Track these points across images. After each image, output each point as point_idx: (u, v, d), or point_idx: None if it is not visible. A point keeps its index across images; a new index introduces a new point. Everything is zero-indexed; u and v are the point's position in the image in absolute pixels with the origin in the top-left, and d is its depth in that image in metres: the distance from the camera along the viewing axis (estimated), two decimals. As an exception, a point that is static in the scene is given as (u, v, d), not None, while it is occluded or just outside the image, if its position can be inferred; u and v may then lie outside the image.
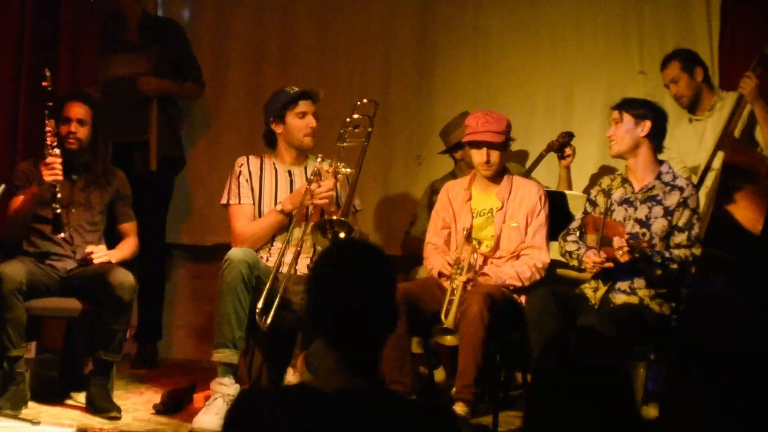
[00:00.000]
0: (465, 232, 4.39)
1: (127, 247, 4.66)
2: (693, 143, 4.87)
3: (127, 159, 5.20)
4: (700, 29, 5.15)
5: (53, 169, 4.33)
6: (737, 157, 4.63)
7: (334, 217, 4.18)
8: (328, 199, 4.36)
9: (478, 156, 4.42)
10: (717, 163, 4.68)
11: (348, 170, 4.42)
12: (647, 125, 4.16)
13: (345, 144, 4.44)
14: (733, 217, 4.49)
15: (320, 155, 4.44)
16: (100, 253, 4.48)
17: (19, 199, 4.51)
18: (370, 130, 4.45)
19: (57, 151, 4.36)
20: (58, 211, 4.35)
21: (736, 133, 4.75)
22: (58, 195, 4.35)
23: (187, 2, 5.89)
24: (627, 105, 4.22)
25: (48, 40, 5.67)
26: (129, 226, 4.72)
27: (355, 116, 4.48)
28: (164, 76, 5.31)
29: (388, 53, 5.68)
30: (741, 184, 4.58)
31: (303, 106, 4.53)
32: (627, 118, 4.19)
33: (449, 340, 4.14)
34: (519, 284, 4.32)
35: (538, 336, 3.96)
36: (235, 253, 4.26)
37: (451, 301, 4.14)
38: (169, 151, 5.38)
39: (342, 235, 4.08)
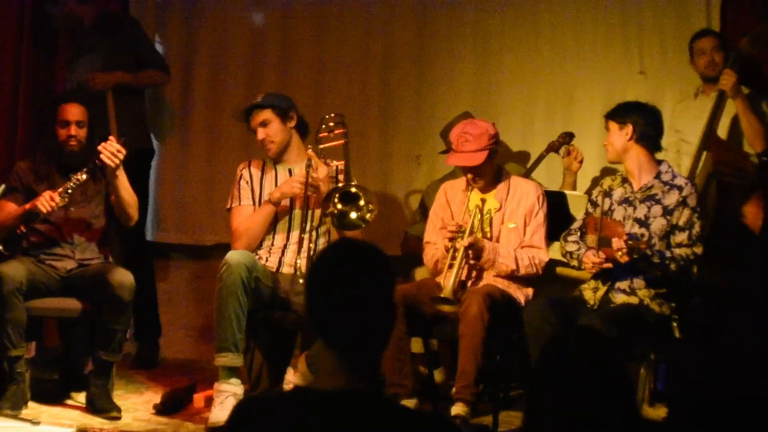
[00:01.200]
0: (468, 198, 4.39)
1: (131, 191, 4.51)
2: (689, 119, 4.90)
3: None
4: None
5: (50, 207, 4.30)
6: (724, 155, 4.67)
7: (340, 184, 4.22)
8: (324, 185, 4.36)
9: (464, 171, 4.43)
10: (702, 163, 4.69)
11: (337, 162, 4.43)
12: (629, 129, 4.20)
13: (324, 145, 4.44)
14: (734, 216, 4.49)
15: (309, 146, 4.43)
16: (110, 149, 4.31)
17: (7, 205, 4.48)
18: (345, 130, 4.46)
19: (66, 198, 4.34)
20: (19, 232, 4.36)
21: (724, 135, 4.78)
22: (33, 225, 4.36)
23: (186, 4, 5.88)
24: (614, 112, 4.28)
25: (47, 41, 5.66)
26: None
27: (331, 124, 4.47)
28: (121, 69, 5.21)
29: (387, 53, 5.68)
30: (735, 182, 4.60)
31: (251, 122, 4.56)
32: (612, 125, 4.26)
33: (447, 308, 4.14)
34: (513, 267, 4.30)
35: (537, 345, 3.94)
36: (233, 256, 4.26)
37: (451, 266, 4.14)
38: (137, 144, 5.25)
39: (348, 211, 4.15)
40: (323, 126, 4.49)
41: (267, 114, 4.53)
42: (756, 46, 4.71)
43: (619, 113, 4.25)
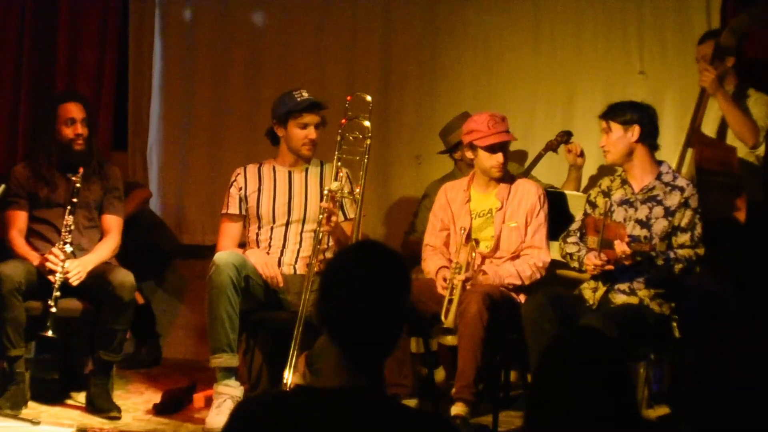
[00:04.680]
0: (463, 232, 4.38)
1: (105, 249, 4.53)
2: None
3: None
4: (700, 30, 5.14)
5: (54, 267, 4.27)
6: (707, 151, 4.65)
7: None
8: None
9: (493, 159, 4.39)
10: (688, 160, 4.68)
11: (354, 193, 4.42)
12: (636, 130, 4.13)
13: (344, 156, 4.42)
14: (712, 212, 4.49)
15: (327, 189, 4.36)
16: (74, 273, 4.31)
17: (18, 217, 4.50)
18: (368, 142, 4.42)
19: (68, 248, 4.33)
20: (53, 310, 4.21)
21: (713, 130, 4.77)
22: (56, 293, 4.22)
23: (187, 4, 5.88)
24: (613, 113, 4.18)
25: (47, 40, 5.66)
26: (112, 219, 4.61)
27: (349, 114, 4.45)
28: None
29: (387, 53, 5.68)
30: (717, 179, 4.59)
31: (307, 117, 4.50)
32: (615, 126, 4.16)
33: (449, 339, 4.17)
34: (519, 282, 4.32)
35: (536, 341, 3.94)
36: (221, 256, 4.27)
37: (450, 301, 4.14)
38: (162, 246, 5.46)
39: None
40: (347, 135, 4.44)
41: (321, 119, 4.53)
42: (734, 37, 4.71)
43: (621, 113, 4.16)
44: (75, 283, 4.32)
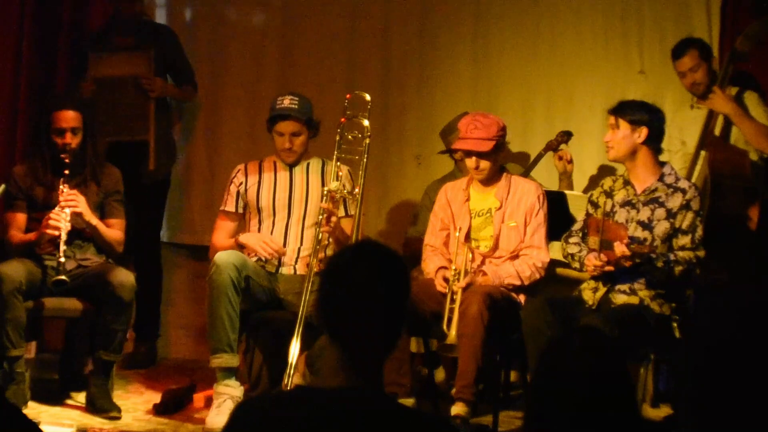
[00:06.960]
0: (459, 234, 4.37)
1: (110, 231, 4.56)
2: (693, 129, 4.86)
3: (121, 158, 5.10)
4: (700, 30, 5.15)
5: (55, 228, 4.31)
6: (720, 154, 4.63)
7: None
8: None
9: (468, 161, 4.41)
10: (700, 162, 4.68)
11: (353, 193, 4.42)
12: (644, 132, 4.10)
13: (343, 156, 4.43)
14: (728, 215, 4.48)
15: (325, 190, 4.38)
16: (71, 197, 4.39)
17: (17, 218, 4.52)
18: (367, 141, 4.43)
19: (67, 212, 4.35)
20: (62, 260, 4.28)
21: (717, 131, 4.76)
22: (63, 246, 4.29)
23: (187, 4, 5.88)
24: (623, 110, 4.14)
25: (47, 40, 5.65)
26: (115, 222, 4.62)
27: (348, 113, 4.45)
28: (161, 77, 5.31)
29: (387, 53, 5.68)
30: (730, 182, 4.58)
31: (280, 126, 4.49)
32: (623, 124, 4.12)
33: (455, 354, 4.15)
34: (518, 283, 4.32)
35: (535, 346, 3.93)
36: (222, 256, 4.27)
37: (452, 310, 4.12)
38: (163, 151, 5.37)
39: None
40: (347, 134, 4.45)
41: (301, 126, 4.50)
42: (750, 43, 4.69)
43: (631, 112, 4.11)
44: (63, 199, 4.36)
